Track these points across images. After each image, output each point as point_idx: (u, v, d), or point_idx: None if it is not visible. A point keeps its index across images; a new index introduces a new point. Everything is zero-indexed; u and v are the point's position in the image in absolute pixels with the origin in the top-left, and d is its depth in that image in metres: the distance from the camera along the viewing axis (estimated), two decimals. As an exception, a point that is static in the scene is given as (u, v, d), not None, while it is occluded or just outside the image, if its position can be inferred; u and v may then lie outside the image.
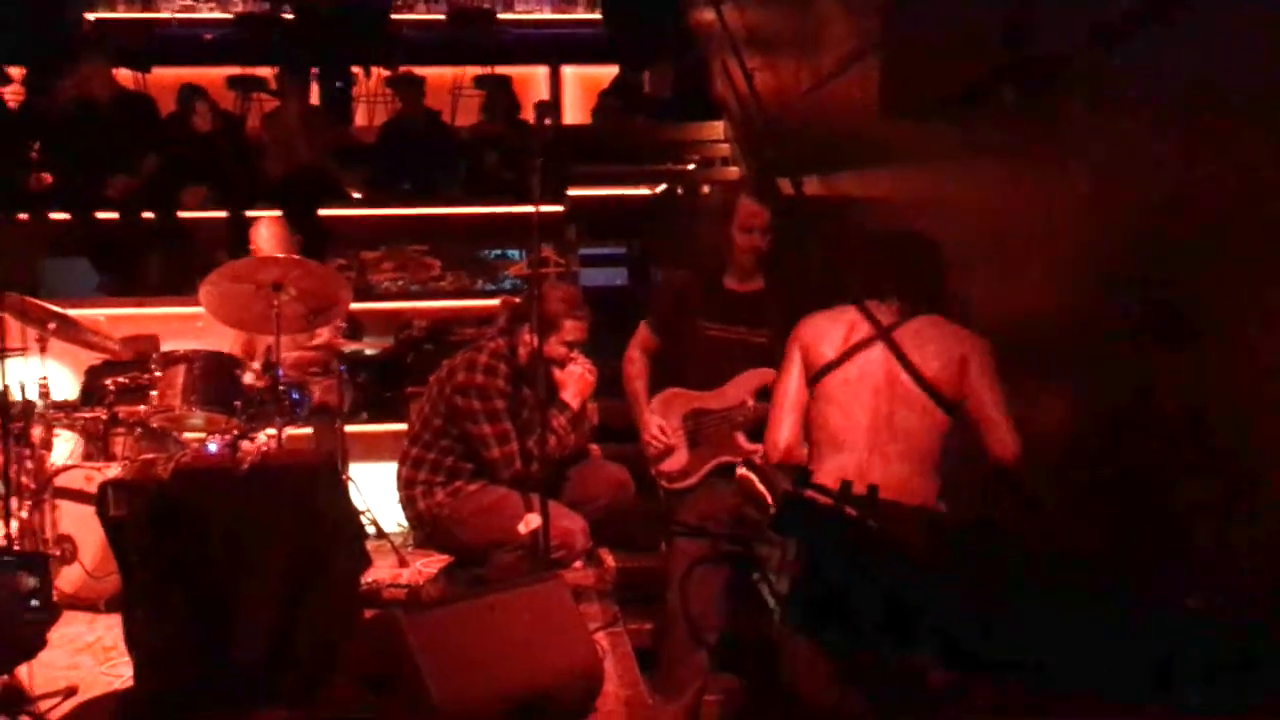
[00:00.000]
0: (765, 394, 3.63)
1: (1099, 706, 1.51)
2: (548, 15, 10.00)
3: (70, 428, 4.77)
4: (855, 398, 2.84)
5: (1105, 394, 3.17)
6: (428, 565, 4.78)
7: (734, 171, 7.51)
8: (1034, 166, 3.66)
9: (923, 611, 1.52)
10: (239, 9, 9.54)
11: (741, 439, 3.61)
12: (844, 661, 1.79)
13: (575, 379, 4.11)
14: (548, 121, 8.01)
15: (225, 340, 5.16)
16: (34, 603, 3.28)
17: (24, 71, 7.68)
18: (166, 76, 8.43)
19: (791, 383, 2.94)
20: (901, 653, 1.54)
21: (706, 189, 7.68)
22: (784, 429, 2.93)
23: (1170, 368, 2.92)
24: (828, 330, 2.93)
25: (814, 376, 2.91)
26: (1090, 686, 1.49)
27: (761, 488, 1.89)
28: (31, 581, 3.29)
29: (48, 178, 6.83)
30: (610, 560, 4.82)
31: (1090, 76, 3.30)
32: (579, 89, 9.51)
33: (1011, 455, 2.77)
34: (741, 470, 2.15)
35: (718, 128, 7.93)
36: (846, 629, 1.54)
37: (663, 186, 7.91)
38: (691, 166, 7.89)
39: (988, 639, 1.51)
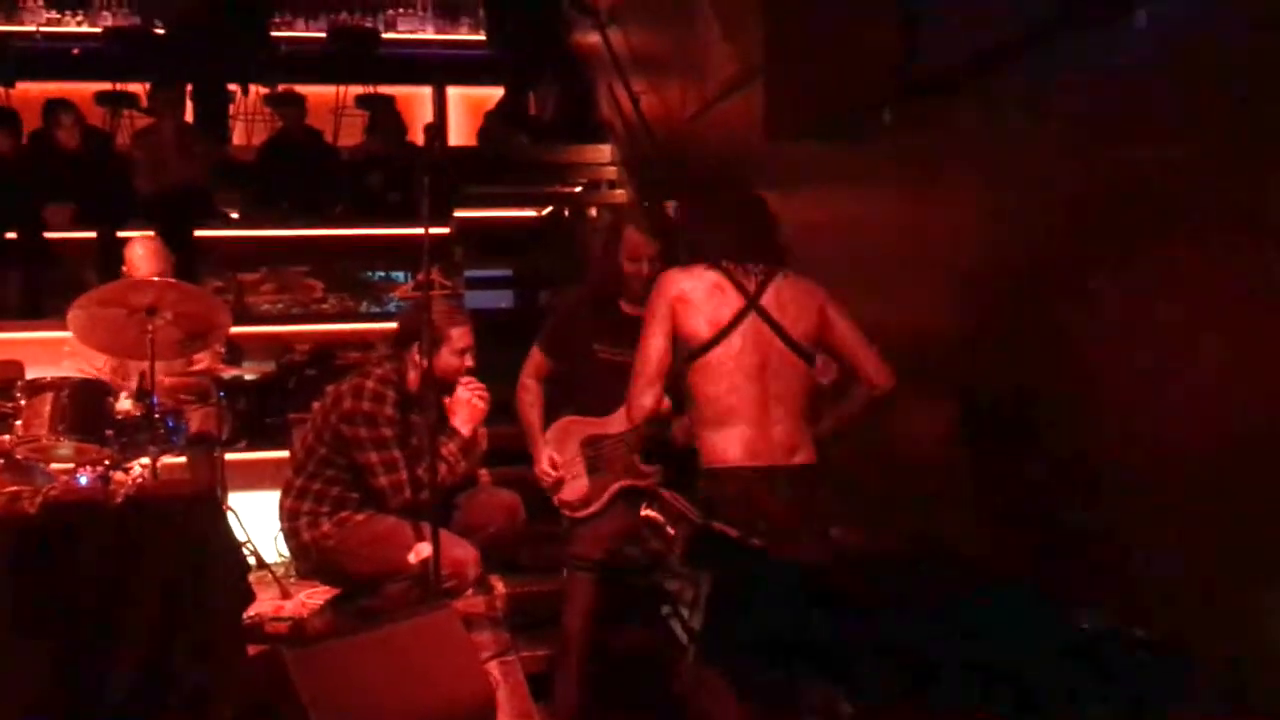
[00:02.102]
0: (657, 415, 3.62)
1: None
2: (431, 35, 9.89)
3: (-74, 460, 4.51)
4: (740, 371, 2.96)
5: (990, 407, 3.26)
6: (311, 597, 4.64)
7: (621, 195, 7.53)
8: (917, 187, 3.75)
9: (831, 642, 1.52)
10: (108, 23, 9.21)
11: (638, 462, 3.60)
12: (756, 694, 1.78)
13: (466, 405, 4.04)
14: (436, 144, 7.94)
15: (92, 365, 4.95)
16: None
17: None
18: (31, 91, 8.11)
19: (659, 346, 3.01)
20: (811, 684, 1.54)
21: (594, 211, 7.69)
22: (650, 394, 3.02)
23: (1057, 381, 3.02)
24: (696, 300, 2.99)
25: (691, 352, 2.99)
26: (993, 708, 1.52)
27: (669, 529, 1.88)
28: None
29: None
30: (500, 586, 4.76)
31: (973, 98, 3.39)
32: (464, 110, 9.44)
33: (887, 378, 3.03)
34: (646, 511, 2.13)
35: (604, 151, 7.94)
36: (760, 663, 1.53)
37: (549, 209, 7.89)
38: (579, 189, 7.89)
39: (893, 666, 1.52)
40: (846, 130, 4.07)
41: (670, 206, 5.66)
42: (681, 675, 2.64)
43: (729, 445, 2.95)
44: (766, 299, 3.00)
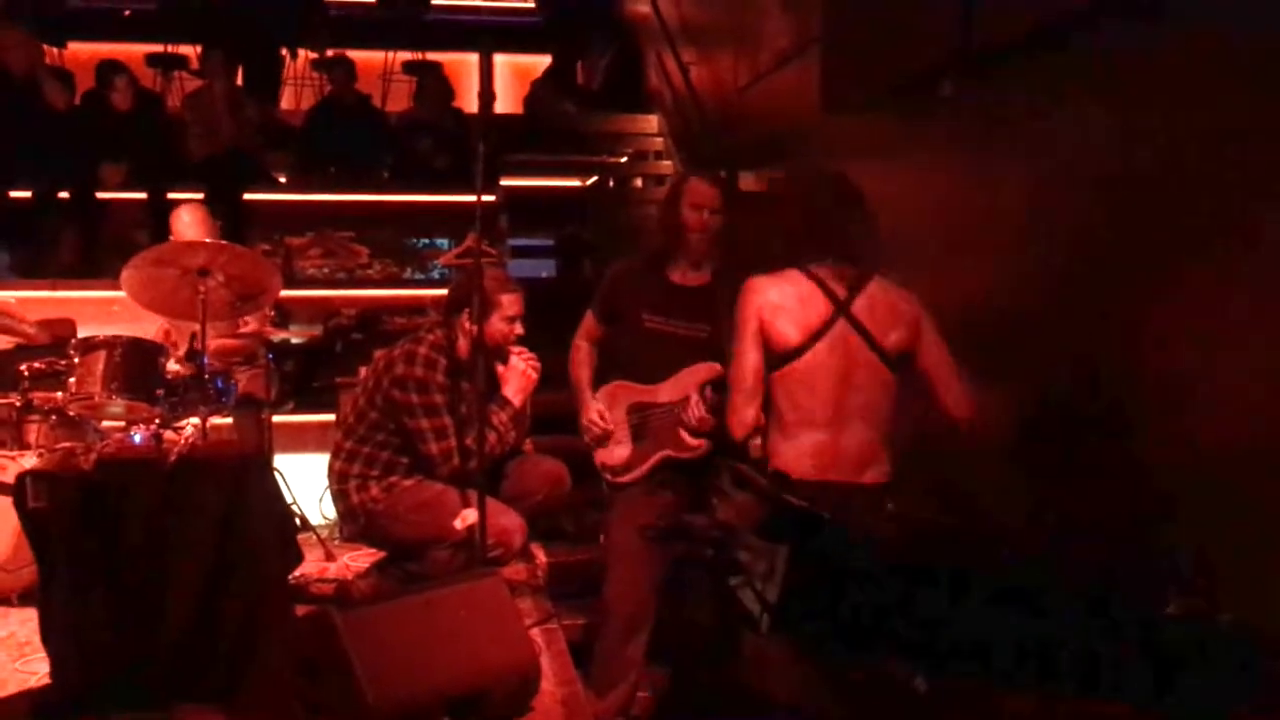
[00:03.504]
0: (709, 389, 3.61)
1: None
2: (480, 1, 9.87)
3: (-19, 415, 4.59)
4: (823, 378, 2.89)
5: (1046, 384, 3.22)
6: (355, 559, 4.69)
7: (668, 165, 7.50)
8: (974, 159, 3.70)
9: (905, 619, 1.51)
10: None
11: (685, 434, 3.59)
12: (830, 670, 1.77)
13: (518, 374, 4.04)
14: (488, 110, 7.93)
15: (143, 326, 5.00)
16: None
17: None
18: (83, 52, 8.17)
19: (753, 359, 2.93)
20: (888, 661, 1.53)
21: (639, 182, 7.67)
22: (751, 408, 2.93)
23: (1109, 359, 2.98)
24: (785, 307, 2.91)
25: (777, 359, 2.92)
26: (1069, 691, 1.51)
27: (734, 498, 1.86)
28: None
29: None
30: (542, 555, 4.78)
31: (1031, 71, 3.34)
32: (511, 77, 9.42)
33: (968, 412, 2.91)
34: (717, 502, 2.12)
35: (652, 121, 7.91)
36: (837, 639, 1.52)
37: (594, 179, 7.87)
38: (624, 159, 7.86)
39: (967, 644, 1.51)
40: (904, 103, 4.02)
41: (779, 181, 5.56)
42: (745, 646, 2.64)
43: (800, 455, 2.89)
44: (857, 306, 2.91)
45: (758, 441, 3.02)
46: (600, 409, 3.76)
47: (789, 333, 2.90)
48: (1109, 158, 3.01)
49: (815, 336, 2.88)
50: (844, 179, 3.00)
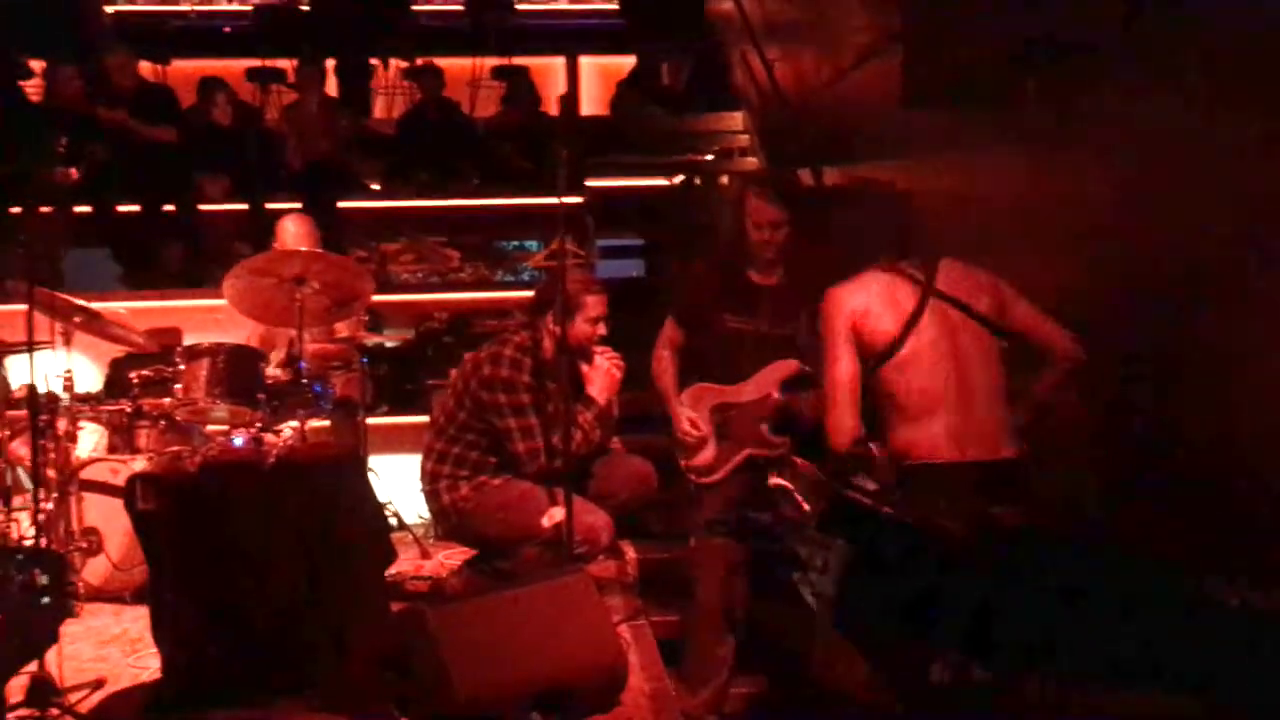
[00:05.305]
0: (790, 386, 3.63)
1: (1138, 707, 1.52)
2: (565, 5, 9.97)
3: (95, 420, 4.79)
4: (933, 362, 2.86)
5: (1128, 380, 3.17)
6: (450, 557, 4.78)
7: (753, 162, 7.50)
8: (1056, 155, 3.65)
9: (962, 610, 1.52)
10: (257, 1, 9.54)
11: (767, 431, 3.61)
12: (887, 660, 1.78)
13: (602, 374, 4.09)
14: (569, 114, 8.02)
15: (244, 332, 5.17)
16: (44, 599, 3.21)
17: (44, 65, 7.66)
18: (185, 69, 8.45)
19: (848, 367, 2.90)
20: (944, 653, 1.54)
21: (725, 180, 7.67)
22: (850, 415, 2.89)
23: (1195, 354, 2.93)
24: (872, 304, 2.90)
25: (879, 356, 2.89)
26: (1129, 685, 1.50)
27: (799, 497, 1.88)
28: (43, 578, 3.21)
29: (73, 172, 6.79)
30: (631, 552, 4.82)
31: (1112, 64, 3.29)
32: (597, 79, 9.50)
33: (1078, 349, 2.91)
34: (776, 480, 2.13)
35: (736, 118, 7.91)
36: (892, 630, 1.54)
37: (680, 178, 7.90)
38: (710, 157, 7.87)
39: (1028, 637, 1.52)
40: (985, 98, 3.98)
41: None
42: (813, 641, 2.65)
43: (934, 438, 2.85)
44: (940, 282, 2.90)
45: (871, 446, 2.95)
46: (692, 416, 3.80)
47: (884, 326, 2.88)
48: (1192, 151, 2.95)
49: (912, 319, 2.86)
50: (884, 184, 3.13)
